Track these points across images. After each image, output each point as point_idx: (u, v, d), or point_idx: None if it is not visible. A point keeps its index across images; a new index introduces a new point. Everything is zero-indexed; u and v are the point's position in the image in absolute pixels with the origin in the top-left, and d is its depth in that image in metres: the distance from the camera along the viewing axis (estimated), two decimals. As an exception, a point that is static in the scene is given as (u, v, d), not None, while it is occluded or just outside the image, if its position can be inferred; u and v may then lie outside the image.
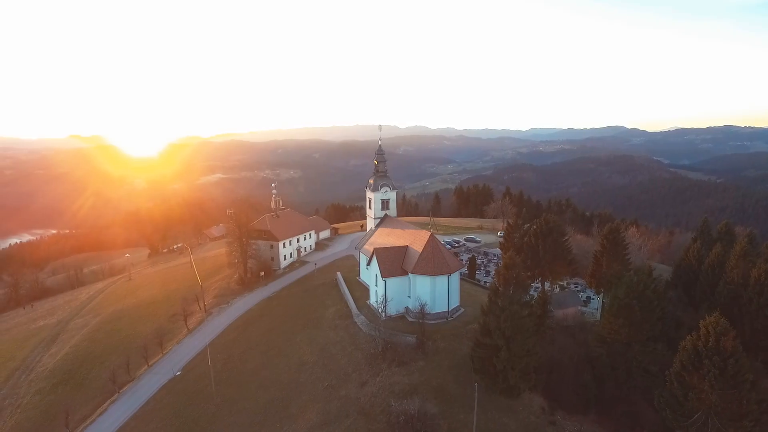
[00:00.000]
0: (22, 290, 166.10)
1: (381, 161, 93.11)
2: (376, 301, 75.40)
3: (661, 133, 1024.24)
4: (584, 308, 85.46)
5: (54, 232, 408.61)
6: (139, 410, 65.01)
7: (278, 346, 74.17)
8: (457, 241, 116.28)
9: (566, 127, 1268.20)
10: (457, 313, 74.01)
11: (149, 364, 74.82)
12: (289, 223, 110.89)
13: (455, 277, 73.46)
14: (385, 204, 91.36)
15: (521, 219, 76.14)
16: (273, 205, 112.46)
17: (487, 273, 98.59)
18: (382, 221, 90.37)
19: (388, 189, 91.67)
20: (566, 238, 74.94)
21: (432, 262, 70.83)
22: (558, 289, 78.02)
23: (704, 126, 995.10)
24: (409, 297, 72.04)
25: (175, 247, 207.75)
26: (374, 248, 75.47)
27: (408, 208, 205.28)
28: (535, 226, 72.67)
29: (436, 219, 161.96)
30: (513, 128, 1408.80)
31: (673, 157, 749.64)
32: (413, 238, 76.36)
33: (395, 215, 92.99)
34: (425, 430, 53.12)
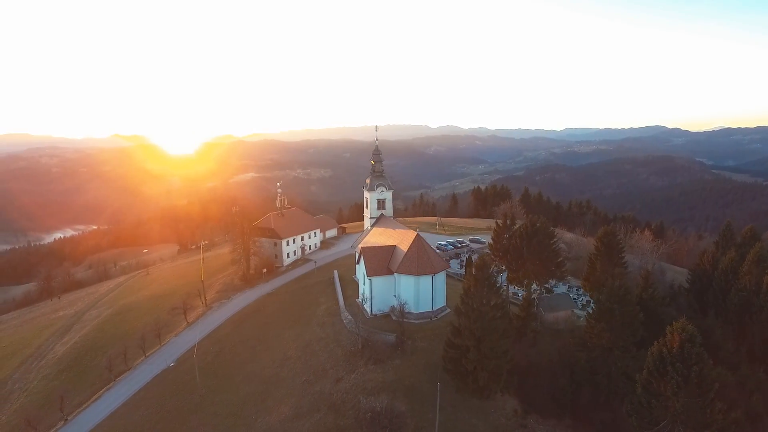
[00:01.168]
0: (54, 283, 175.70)
1: (377, 161, 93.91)
2: (363, 300, 76.38)
3: (704, 133, 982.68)
4: (581, 312, 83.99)
5: (95, 227, 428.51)
6: (131, 398, 68.22)
7: (267, 341, 76.20)
8: (461, 242, 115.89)
9: (603, 127, 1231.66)
10: (443, 314, 74.07)
11: (146, 354, 78.18)
12: (294, 221, 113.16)
13: (440, 278, 73.60)
14: (381, 204, 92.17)
15: (509, 219, 75.11)
16: (278, 204, 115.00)
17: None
18: (378, 221, 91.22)
19: (384, 189, 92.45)
20: (554, 240, 73.70)
21: (416, 262, 71.23)
22: (544, 292, 76.84)
23: (753, 125, 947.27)
24: (395, 296, 72.57)
25: (202, 243, 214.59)
26: (361, 247, 76.47)
27: (425, 208, 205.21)
28: (522, 228, 71.80)
29: (448, 220, 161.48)
30: (547, 128, 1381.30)
31: (718, 158, 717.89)
32: (401, 238, 76.89)
33: (392, 215, 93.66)
34: (392, 427, 53.71)
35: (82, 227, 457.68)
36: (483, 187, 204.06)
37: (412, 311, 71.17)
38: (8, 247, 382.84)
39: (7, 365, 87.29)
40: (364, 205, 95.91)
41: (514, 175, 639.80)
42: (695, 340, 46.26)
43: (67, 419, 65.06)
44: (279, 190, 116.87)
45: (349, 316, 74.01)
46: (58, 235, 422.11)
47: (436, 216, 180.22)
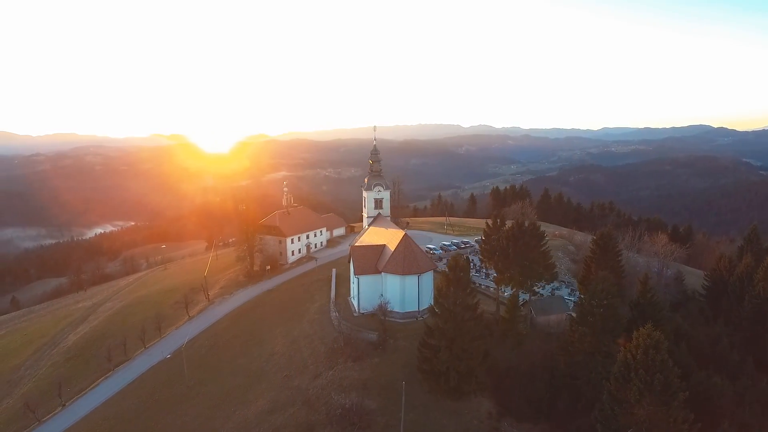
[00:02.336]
0: (84, 276, 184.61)
1: (375, 161, 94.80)
2: (352, 298, 77.27)
3: (753, 132, 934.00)
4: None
5: (132, 223, 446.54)
6: (125, 387, 71.44)
7: (259, 336, 78.15)
8: (466, 242, 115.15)
9: (642, 126, 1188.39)
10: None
11: (146, 346, 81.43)
12: (299, 220, 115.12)
13: (427, 278, 73.56)
14: (378, 203, 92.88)
15: (499, 220, 74.18)
16: (284, 203, 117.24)
17: (487, 275, 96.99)
18: (375, 220, 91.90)
19: (381, 188, 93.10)
20: (544, 242, 72.41)
21: (402, 262, 71.53)
22: (532, 295, 75.60)
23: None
24: (382, 295, 73.09)
25: (230, 240, 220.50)
26: (350, 246, 77.32)
27: (443, 208, 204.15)
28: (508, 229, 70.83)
29: (463, 220, 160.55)
30: (583, 128, 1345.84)
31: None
32: (391, 238, 77.34)
33: (389, 214, 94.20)
34: (360, 424, 54.55)
35: (121, 223, 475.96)
36: (501, 188, 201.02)
37: (398, 311, 71.53)
38: (53, 241, 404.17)
39: (23, 352, 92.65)
40: (363, 205, 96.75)
41: (546, 176, 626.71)
42: (660, 347, 44.89)
43: (65, 405, 68.72)
44: (285, 189, 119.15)
45: (336, 314, 75.03)
46: (99, 230, 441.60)
47: (454, 216, 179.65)
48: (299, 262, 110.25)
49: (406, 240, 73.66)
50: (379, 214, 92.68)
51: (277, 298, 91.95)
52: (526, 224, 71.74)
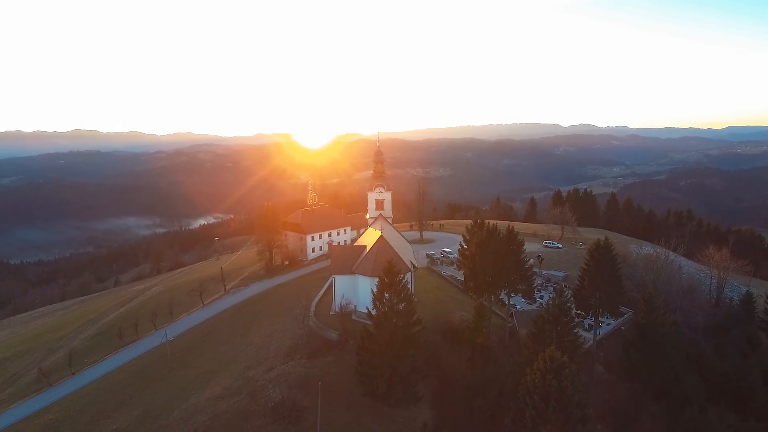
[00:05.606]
0: (163, 263, 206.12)
1: (378, 162, 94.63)
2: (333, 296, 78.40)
3: None
4: (585, 333, 76.13)
5: (231, 216, 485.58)
6: (126, 364, 79.23)
7: (248, 327, 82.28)
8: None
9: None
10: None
11: (156, 328, 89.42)
12: (322, 218, 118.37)
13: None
14: (379, 204, 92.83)
15: (476, 226, 70.40)
16: (309, 201, 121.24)
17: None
18: (375, 221, 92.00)
19: (382, 190, 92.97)
20: (521, 250, 67.61)
21: (373, 263, 71.26)
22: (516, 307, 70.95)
23: None
24: (343, 295, 73.73)
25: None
26: (330, 245, 78.46)
27: (499, 212, 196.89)
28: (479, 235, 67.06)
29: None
30: (703, 126, 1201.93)
31: None
32: (371, 239, 77.27)
33: (390, 215, 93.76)
34: (290, 418, 55.90)
35: (221, 216, 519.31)
36: (564, 192, 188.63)
37: (370, 312, 71.26)
38: (164, 230, 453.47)
39: (70, 326, 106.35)
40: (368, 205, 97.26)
41: (652, 179, 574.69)
42: (562, 372, 40.61)
43: (74, 373, 78.13)
44: (310, 188, 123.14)
45: (313, 311, 76.72)
46: (202, 221, 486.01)
47: (514, 220, 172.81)
48: (318, 259, 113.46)
49: (380, 242, 73.28)
50: (381, 215, 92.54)
51: (283, 292, 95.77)
52: (502, 231, 67.59)
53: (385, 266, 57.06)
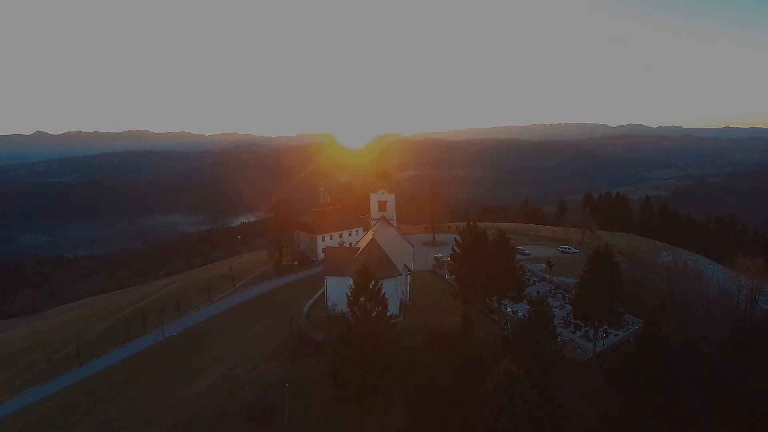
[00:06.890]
0: (195, 259, 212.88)
1: (382, 163, 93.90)
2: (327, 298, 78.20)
3: None
4: (584, 342, 72.82)
5: (270, 215, 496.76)
6: (129, 357, 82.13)
7: (246, 325, 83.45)
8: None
9: None
10: (392, 321, 71.54)
11: (163, 323, 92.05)
12: (334, 218, 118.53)
13: (390, 283, 71.06)
14: (381, 206, 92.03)
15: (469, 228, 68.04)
16: (321, 201, 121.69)
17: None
18: (377, 223, 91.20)
19: (385, 191, 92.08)
20: (514, 255, 64.95)
21: (362, 266, 70.30)
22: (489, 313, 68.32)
23: None
24: (330, 297, 73.38)
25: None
26: (324, 246, 78.25)
27: (527, 214, 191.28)
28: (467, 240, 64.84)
29: (532, 227, 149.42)
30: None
31: None
32: (366, 241, 76.54)
33: (393, 217, 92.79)
34: (263, 418, 56.30)
35: (261, 214, 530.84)
36: (595, 196, 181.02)
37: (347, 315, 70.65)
38: (206, 228, 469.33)
39: (90, 319, 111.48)
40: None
41: (707, 182, 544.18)
42: (515, 387, 38.52)
43: (80, 364, 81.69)
44: (322, 189, 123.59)
45: (305, 312, 76.78)
46: (243, 219, 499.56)
47: (542, 224, 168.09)
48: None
49: (371, 244, 72.46)
50: (383, 216, 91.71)
51: (288, 291, 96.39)
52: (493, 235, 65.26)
53: (359, 269, 56.15)
